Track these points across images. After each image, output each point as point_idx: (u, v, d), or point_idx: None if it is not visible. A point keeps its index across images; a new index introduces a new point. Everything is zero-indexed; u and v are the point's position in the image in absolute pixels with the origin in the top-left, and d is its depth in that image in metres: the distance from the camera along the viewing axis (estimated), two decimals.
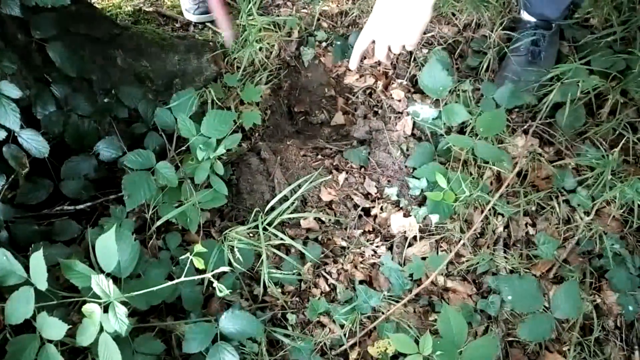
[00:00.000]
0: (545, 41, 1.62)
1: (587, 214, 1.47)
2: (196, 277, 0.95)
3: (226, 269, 0.91)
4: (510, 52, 1.65)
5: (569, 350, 1.30)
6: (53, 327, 0.97)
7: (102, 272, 1.01)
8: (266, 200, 1.45)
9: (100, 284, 0.92)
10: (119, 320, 0.92)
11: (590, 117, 1.59)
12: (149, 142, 1.35)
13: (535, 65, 1.60)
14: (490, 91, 1.52)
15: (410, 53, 1.73)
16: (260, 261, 1.32)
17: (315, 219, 1.48)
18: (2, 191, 1.13)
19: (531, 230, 1.49)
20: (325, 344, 1.32)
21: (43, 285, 0.96)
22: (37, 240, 1.16)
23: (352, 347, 1.31)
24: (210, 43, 1.68)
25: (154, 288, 0.96)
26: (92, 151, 1.28)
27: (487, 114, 1.37)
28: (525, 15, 1.66)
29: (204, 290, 1.28)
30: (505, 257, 1.42)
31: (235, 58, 1.61)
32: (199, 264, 0.88)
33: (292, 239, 1.40)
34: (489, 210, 1.41)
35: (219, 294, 0.88)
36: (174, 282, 1.01)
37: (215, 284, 0.88)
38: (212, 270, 0.99)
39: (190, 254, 0.90)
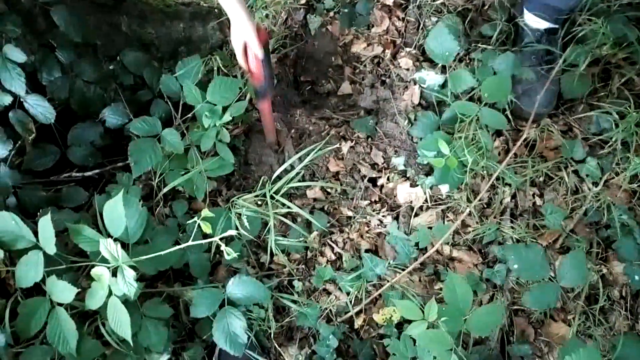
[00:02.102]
0: (557, 45, 1.52)
1: (596, 184, 1.45)
2: (203, 242, 0.95)
3: (233, 232, 0.92)
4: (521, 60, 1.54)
5: (573, 319, 1.31)
6: (63, 291, 0.99)
7: (110, 237, 1.02)
8: (274, 171, 1.45)
9: (109, 248, 0.93)
10: (128, 284, 0.93)
11: (602, 88, 1.56)
12: (154, 109, 1.34)
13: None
14: (491, 59, 1.49)
15: (419, 20, 1.70)
16: (267, 229, 1.33)
17: (321, 189, 1.47)
18: (10, 157, 1.13)
19: (538, 201, 1.48)
20: (331, 310, 1.34)
21: (52, 250, 0.97)
22: (44, 207, 1.17)
23: (357, 313, 1.33)
24: (216, 10, 1.64)
25: (162, 252, 0.97)
26: (98, 118, 1.27)
27: (492, 79, 1.35)
28: (530, 20, 1.52)
29: (211, 257, 1.29)
30: (512, 227, 1.42)
31: None
32: (207, 228, 0.88)
33: (299, 208, 1.40)
34: (497, 180, 1.40)
35: (227, 258, 0.88)
36: (182, 246, 1.01)
37: (223, 247, 0.88)
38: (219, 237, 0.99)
39: (198, 219, 0.90)
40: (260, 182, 1.40)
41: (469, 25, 1.68)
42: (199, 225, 1.07)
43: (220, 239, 0.94)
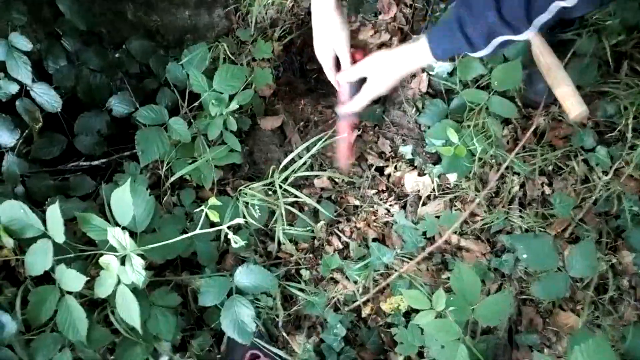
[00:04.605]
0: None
1: (606, 173, 1.44)
2: (211, 230, 0.95)
3: (241, 220, 0.91)
4: None
5: (582, 308, 1.30)
6: (72, 279, 0.99)
7: (118, 225, 1.02)
8: (281, 161, 1.44)
9: (117, 236, 0.93)
10: (136, 272, 0.93)
11: (610, 76, 1.54)
12: (161, 97, 1.33)
13: None
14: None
15: (427, 7, 1.68)
16: (274, 218, 1.32)
17: (328, 178, 1.47)
18: (17, 145, 1.13)
19: (547, 190, 1.47)
20: (338, 299, 1.34)
21: (61, 238, 0.97)
22: (52, 195, 1.17)
23: (365, 302, 1.32)
24: None
25: (170, 241, 0.97)
26: (105, 106, 1.27)
27: (502, 67, 1.32)
28: None
29: (219, 246, 1.29)
30: (521, 216, 1.41)
31: (247, 12, 1.57)
32: (214, 216, 0.88)
33: (307, 197, 1.40)
34: (505, 169, 1.38)
35: (234, 246, 0.88)
36: (189, 234, 1.01)
37: (231, 235, 0.88)
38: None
39: (205, 207, 0.90)
40: (270, 170, 1.39)
41: None
42: (206, 213, 1.07)
43: (228, 228, 0.94)
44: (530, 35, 0.98)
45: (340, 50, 1.24)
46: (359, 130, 1.54)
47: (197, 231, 0.92)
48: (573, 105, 1.27)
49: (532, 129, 1.36)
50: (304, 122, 1.57)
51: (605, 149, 1.44)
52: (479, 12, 0.99)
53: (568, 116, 1.29)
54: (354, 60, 1.23)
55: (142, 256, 0.96)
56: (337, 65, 1.27)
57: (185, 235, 0.98)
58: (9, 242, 1.01)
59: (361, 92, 1.23)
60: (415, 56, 1.16)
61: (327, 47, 1.25)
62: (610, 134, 1.47)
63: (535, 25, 0.96)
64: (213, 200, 0.90)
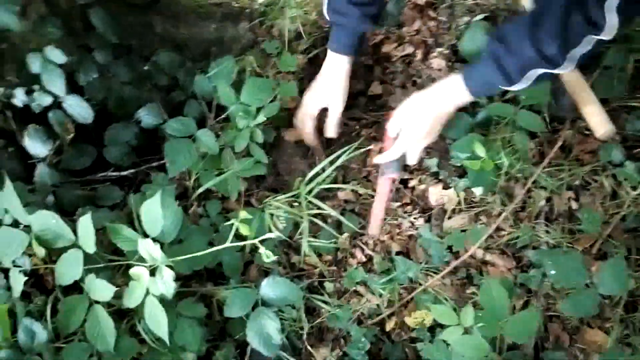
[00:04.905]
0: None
1: (634, 188, 1.42)
2: (241, 244, 0.96)
3: (272, 235, 0.92)
4: None
5: (611, 327, 1.28)
6: (101, 289, 1.00)
7: (147, 236, 1.03)
8: (306, 173, 1.45)
9: (148, 248, 0.94)
10: (166, 283, 0.94)
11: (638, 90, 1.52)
12: (188, 109, 1.35)
13: None
14: None
15: (451, 20, 1.68)
16: (298, 230, 1.33)
17: (352, 190, 1.47)
18: (49, 156, 1.15)
19: (574, 205, 1.45)
20: (362, 312, 1.33)
21: (91, 249, 0.98)
22: (81, 205, 1.19)
23: (389, 316, 1.32)
24: (247, 11, 1.65)
25: (198, 254, 0.97)
26: (134, 118, 1.29)
27: None
28: None
29: (243, 257, 1.29)
30: (547, 231, 1.39)
31: (272, 26, 1.58)
32: (246, 230, 0.88)
33: (331, 209, 1.40)
34: (532, 183, 1.37)
35: (265, 260, 0.88)
36: (217, 248, 1.02)
37: (262, 250, 0.88)
38: (254, 238, 0.99)
39: (236, 220, 0.90)
40: (293, 183, 1.40)
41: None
42: (235, 226, 1.08)
43: (260, 242, 0.94)
44: (569, 68, 0.98)
45: (332, 115, 1.33)
46: (377, 142, 1.53)
47: (227, 245, 0.93)
48: (599, 124, 1.27)
49: (559, 143, 1.35)
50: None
51: (634, 164, 1.42)
52: (515, 46, 0.99)
53: (595, 134, 1.28)
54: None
55: (170, 267, 0.97)
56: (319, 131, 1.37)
57: (213, 249, 0.99)
58: (41, 251, 1.03)
59: (397, 142, 1.24)
60: (450, 95, 1.17)
61: (317, 106, 1.33)
62: (638, 149, 1.45)
63: (571, 58, 0.96)
64: (244, 214, 0.90)
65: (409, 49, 1.68)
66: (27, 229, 1.01)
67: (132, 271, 0.94)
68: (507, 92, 1.44)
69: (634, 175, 1.41)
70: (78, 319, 1.01)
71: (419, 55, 1.66)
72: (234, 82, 1.38)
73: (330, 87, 1.35)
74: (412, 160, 1.29)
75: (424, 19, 1.70)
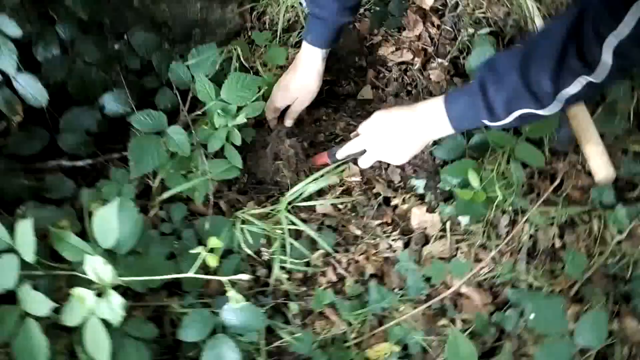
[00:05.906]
0: None
1: (620, 232, 1.37)
2: (204, 277, 0.84)
3: (245, 277, 0.80)
4: None
5: None
6: (37, 303, 0.88)
7: (99, 246, 0.91)
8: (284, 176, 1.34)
9: (96, 268, 0.82)
10: (113, 310, 0.82)
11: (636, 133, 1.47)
12: (160, 99, 1.21)
13: None
14: None
15: (455, 30, 1.57)
16: (270, 245, 1.22)
17: (332, 205, 1.37)
18: None
19: (557, 242, 1.40)
20: (326, 337, 1.24)
21: (30, 258, 0.86)
22: (25, 196, 1.05)
23: (355, 345, 1.23)
24: None
25: (155, 277, 0.86)
26: (97, 103, 1.14)
27: None
28: None
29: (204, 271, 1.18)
30: (527, 270, 1.33)
31: (264, 13, 1.44)
32: (214, 261, 0.77)
33: (305, 222, 1.30)
34: (517, 216, 1.31)
35: (234, 306, 0.78)
36: (177, 276, 0.90)
37: (231, 293, 0.77)
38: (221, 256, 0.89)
39: (203, 250, 0.79)
40: (267, 187, 1.29)
41: (509, 42, 1.56)
42: (195, 234, 0.97)
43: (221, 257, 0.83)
44: (554, 110, 0.91)
45: (295, 108, 1.32)
46: None
47: (189, 274, 0.81)
48: (600, 167, 1.20)
49: (556, 182, 1.28)
50: (311, 137, 1.46)
51: (624, 208, 1.37)
52: (502, 74, 0.92)
53: (594, 176, 1.22)
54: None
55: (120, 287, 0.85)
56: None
57: (173, 275, 0.87)
58: None
59: (359, 142, 1.23)
60: (429, 124, 1.08)
61: (285, 102, 1.32)
62: (630, 192, 1.40)
63: (560, 99, 0.88)
64: (214, 242, 0.79)
65: (408, 56, 1.57)
66: None
67: (74, 292, 0.82)
68: None
69: (623, 220, 1.36)
70: (5, 332, 0.89)
71: (418, 63, 1.55)
72: (215, 74, 1.24)
73: (301, 84, 1.30)
74: (362, 165, 1.29)
75: (426, 24, 1.59)
